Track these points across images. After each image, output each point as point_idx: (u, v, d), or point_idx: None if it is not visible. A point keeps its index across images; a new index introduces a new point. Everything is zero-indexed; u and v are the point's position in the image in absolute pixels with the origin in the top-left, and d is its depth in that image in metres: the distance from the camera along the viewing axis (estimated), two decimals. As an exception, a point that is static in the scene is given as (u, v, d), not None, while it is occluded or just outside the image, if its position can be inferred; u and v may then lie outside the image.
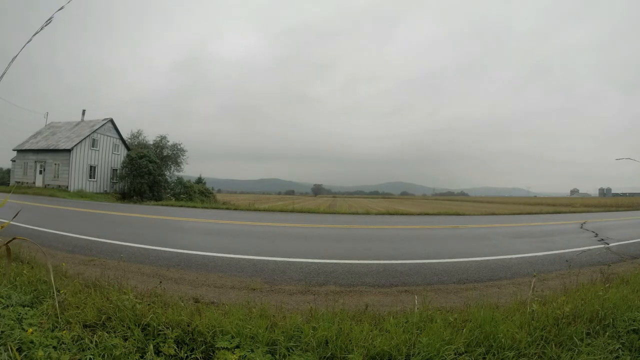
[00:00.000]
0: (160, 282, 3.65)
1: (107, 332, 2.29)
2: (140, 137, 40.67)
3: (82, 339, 2.20)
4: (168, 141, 39.71)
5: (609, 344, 2.44)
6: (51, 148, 31.70)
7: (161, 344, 2.24)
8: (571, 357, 2.30)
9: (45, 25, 2.29)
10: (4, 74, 2.35)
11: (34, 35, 2.32)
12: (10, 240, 2.51)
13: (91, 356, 2.04)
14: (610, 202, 42.07)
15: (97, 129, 33.27)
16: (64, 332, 2.24)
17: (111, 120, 35.00)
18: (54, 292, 2.60)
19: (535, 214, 20.41)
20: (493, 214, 20.64)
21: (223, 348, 2.24)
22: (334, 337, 2.35)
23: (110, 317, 2.48)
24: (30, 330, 2.20)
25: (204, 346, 2.28)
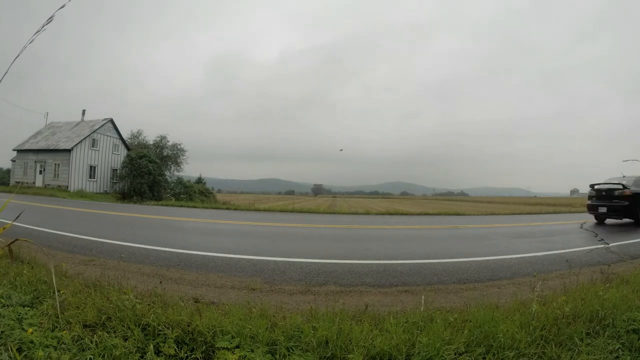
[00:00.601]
0: (160, 282, 3.66)
1: (107, 332, 2.29)
2: (140, 137, 40.71)
3: (82, 339, 2.20)
4: (168, 141, 39.78)
5: (608, 344, 2.44)
6: (51, 148, 31.72)
7: (161, 344, 2.24)
8: (571, 357, 2.30)
9: (47, 24, 2.29)
10: (5, 74, 2.35)
11: (35, 34, 2.31)
12: (13, 242, 2.51)
13: (91, 356, 2.04)
14: (610, 202, 41.91)
15: (97, 129, 33.30)
16: (64, 332, 2.24)
17: (111, 120, 35.03)
18: (54, 293, 2.60)
19: (535, 214, 20.40)
20: (493, 214, 20.64)
21: (223, 348, 2.24)
22: (334, 337, 2.35)
23: (110, 317, 2.48)
24: (30, 330, 2.20)
25: (204, 346, 2.28)
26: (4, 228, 2.46)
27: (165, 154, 38.91)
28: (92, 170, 32.84)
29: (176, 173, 39.23)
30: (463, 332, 2.48)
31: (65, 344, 2.14)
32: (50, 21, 2.28)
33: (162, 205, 21.52)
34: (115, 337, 2.23)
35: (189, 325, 2.42)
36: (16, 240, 2.57)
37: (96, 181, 33.19)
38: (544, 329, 2.57)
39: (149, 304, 2.71)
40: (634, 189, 11.48)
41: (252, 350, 2.24)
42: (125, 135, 37.84)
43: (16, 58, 2.42)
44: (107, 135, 34.53)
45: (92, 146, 32.85)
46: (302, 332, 2.45)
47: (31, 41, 2.35)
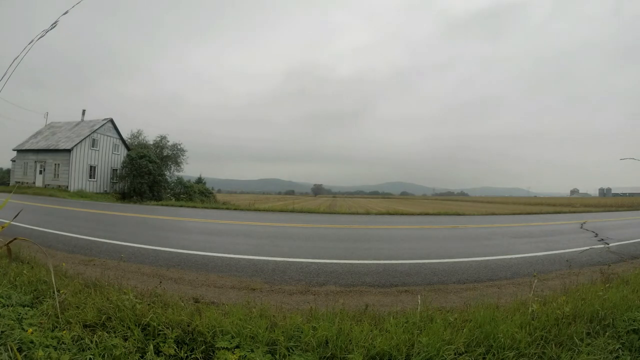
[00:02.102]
0: (160, 282, 3.65)
1: (107, 332, 2.29)
2: (140, 137, 40.71)
3: (82, 339, 2.20)
4: (168, 141, 39.76)
5: (609, 344, 2.44)
6: (51, 148, 31.70)
7: (161, 344, 2.24)
8: (571, 357, 2.30)
9: (50, 29, 2.29)
10: (3, 76, 2.35)
11: (37, 38, 2.31)
12: (12, 241, 2.51)
13: (91, 356, 2.04)
14: (610, 202, 42.05)
15: (97, 129, 33.28)
16: (64, 332, 2.24)
17: (111, 120, 35.01)
18: (54, 292, 2.60)
19: (535, 214, 20.40)
20: (493, 214, 20.63)
21: (223, 348, 2.24)
22: (334, 337, 2.35)
23: (110, 317, 2.48)
24: (30, 330, 2.20)
25: (204, 346, 2.28)
26: (2, 227, 2.45)
27: (165, 154, 38.90)
28: (92, 170, 32.83)
29: (176, 173, 39.26)
30: (463, 332, 2.48)
31: (65, 343, 2.14)
32: (54, 26, 2.28)
33: (162, 205, 21.51)
34: (115, 337, 2.23)
35: (189, 325, 2.42)
36: (15, 239, 2.57)
37: (96, 181, 33.17)
38: (544, 329, 2.56)
39: (149, 304, 2.71)
40: None
41: (252, 350, 2.24)
42: (125, 135, 37.86)
43: (16, 59, 2.42)
44: (107, 135, 34.52)
45: (92, 146, 32.84)
46: (302, 332, 2.45)
47: (31, 42, 2.35)
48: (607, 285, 3.63)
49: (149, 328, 2.38)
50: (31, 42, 2.35)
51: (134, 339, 2.25)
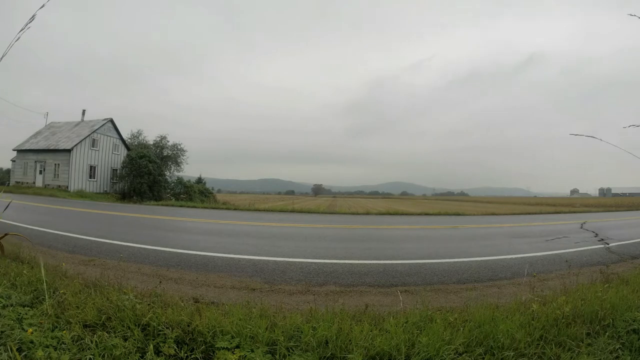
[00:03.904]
0: (160, 282, 3.65)
1: (107, 332, 2.29)
2: (140, 137, 40.72)
3: (82, 339, 2.20)
4: (168, 141, 39.77)
5: (609, 344, 2.44)
6: (51, 148, 31.71)
7: (161, 344, 2.24)
8: (571, 357, 2.30)
9: (29, 23, 2.31)
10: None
11: (19, 32, 2.33)
12: (3, 237, 2.51)
13: (91, 356, 2.04)
14: (610, 202, 42.08)
15: (97, 129, 33.29)
16: (64, 332, 2.24)
17: (111, 120, 35.02)
18: (45, 291, 2.57)
19: (535, 214, 20.42)
20: (493, 214, 20.64)
21: (223, 348, 2.24)
22: (334, 337, 2.35)
23: (110, 317, 2.48)
24: (30, 330, 2.20)
25: (204, 346, 2.27)
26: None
27: (165, 154, 38.91)
28: (92, 170, 32.83)
29: (176, 173, 39.28)
30: (463, 332, 2.48)
31: (65, 344, 2.14)
32: (32, 20, 2.30)
33: (162, 205, 21.52)
34: (115, 337, 2.23)
35: (189, 325, 2.42)
36: (6, 235, 2.57)
37: (96, 181, 33.18)
38: (544, 329, 2.57)
39: (149, 304, 2.71)
40: None
41: (252, 350, 2.24)
42: (126, 135, 37.89)
43: (3, 56, 2.43)
44: (107, 135, 34.53)
45: (92, 146, 32.84)
46: (301, 332, 2.45)
47: (17, 39, 2.37)
48: (606, 286, 3.63)
49: (149, 328, 2.38)
50: (17, 38, 2.37)
51: (134, 339, 2.25)
